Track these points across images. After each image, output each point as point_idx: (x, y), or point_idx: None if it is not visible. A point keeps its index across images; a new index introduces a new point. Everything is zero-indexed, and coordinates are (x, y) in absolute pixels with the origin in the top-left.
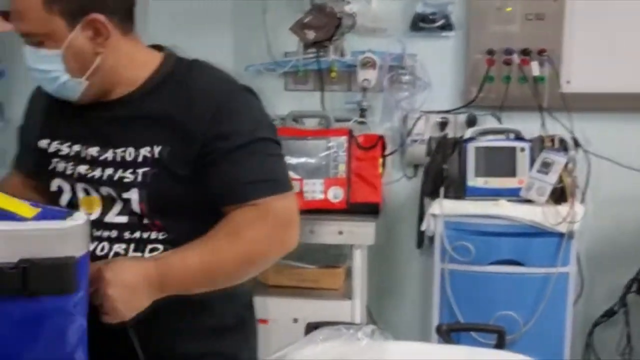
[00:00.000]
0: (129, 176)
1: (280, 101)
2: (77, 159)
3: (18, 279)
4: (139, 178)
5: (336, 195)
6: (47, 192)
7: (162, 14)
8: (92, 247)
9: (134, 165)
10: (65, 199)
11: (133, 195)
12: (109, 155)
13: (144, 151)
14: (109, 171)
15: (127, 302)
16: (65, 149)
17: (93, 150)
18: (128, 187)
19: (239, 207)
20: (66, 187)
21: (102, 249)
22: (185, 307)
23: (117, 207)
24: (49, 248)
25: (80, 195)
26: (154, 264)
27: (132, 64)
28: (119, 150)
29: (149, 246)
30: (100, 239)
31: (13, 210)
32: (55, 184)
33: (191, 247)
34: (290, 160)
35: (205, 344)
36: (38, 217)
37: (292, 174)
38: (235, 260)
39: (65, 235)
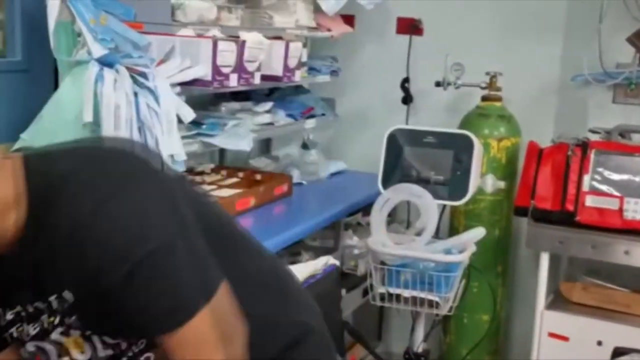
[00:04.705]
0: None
1: (607, 114)
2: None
3: None
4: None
5: None
6: None
7: (491, 18)
8: None
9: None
10: None
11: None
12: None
13: (53, 300)
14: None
15: None
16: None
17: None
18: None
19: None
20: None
21: None
22: None
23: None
24: None
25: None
26: None
27: None
28: (30, 306)
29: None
30: None
31: None
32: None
33: None
34: (611, 176)
35: None
36: None
37: (611, 191)
38: None
39: None
